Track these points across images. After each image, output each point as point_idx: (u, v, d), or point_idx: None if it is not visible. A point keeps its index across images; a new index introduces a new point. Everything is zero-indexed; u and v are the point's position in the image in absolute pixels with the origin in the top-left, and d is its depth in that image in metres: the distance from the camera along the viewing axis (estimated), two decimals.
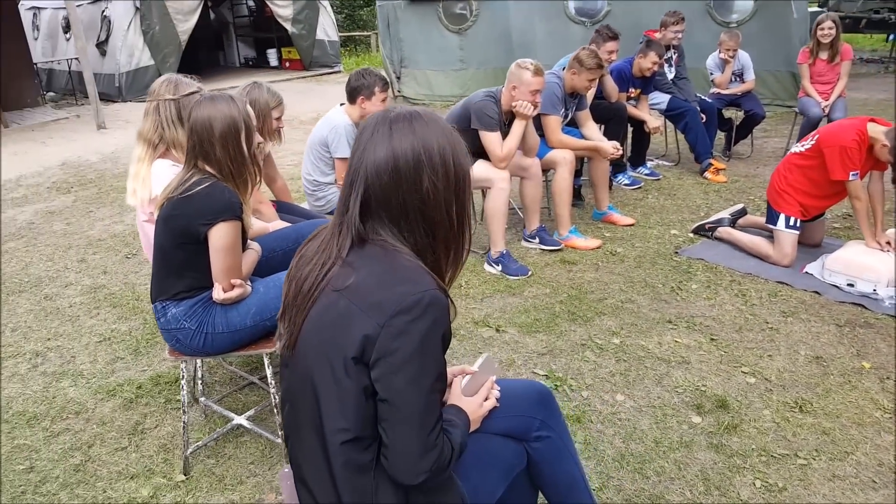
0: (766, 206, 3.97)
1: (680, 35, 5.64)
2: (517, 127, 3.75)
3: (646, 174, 5.67)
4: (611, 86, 5.03)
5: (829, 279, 3.65)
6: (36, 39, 12.47)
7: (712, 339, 3.08)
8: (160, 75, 9.69)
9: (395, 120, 1.29)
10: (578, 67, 4.10)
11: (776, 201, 3.88)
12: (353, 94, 3.44)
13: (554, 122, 4.15)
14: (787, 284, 3.64)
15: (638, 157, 5.72)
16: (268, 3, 12.65)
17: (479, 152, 3.81)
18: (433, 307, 1.21)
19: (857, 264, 3.54)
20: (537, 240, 4.20)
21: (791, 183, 3.81)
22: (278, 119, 3.07)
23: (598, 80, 4.73)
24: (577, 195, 5.02)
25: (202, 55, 15.37)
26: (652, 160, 6.20)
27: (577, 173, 4.90)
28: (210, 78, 12.70)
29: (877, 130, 3.50)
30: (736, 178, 5.63)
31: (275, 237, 2.61)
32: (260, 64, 14.83)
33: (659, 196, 5.21)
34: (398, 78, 9.66)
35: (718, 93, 6.15)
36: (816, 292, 3.54)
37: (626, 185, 5.40)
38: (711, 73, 6.22)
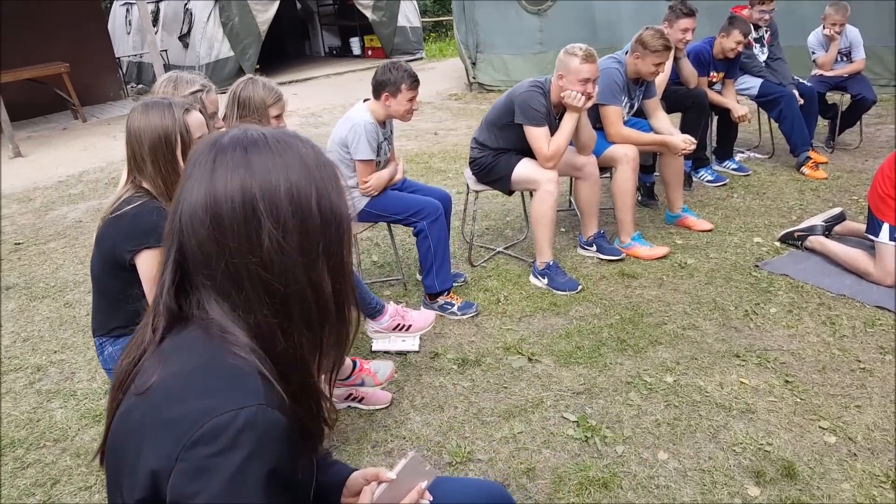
0: (867, 213, 3.34)
1: (767, 16, 4.93)
2: (567, 121, 3.31)
3: (733, 169, 5.03)
4: (688, 70, 4.44)
5: None
6: (129, 34, 12.93)
7: (787, 381, 2.56)
8: (240, 67, 9.74)
9: (222, 148, 0.92)
10: (642, 50, 3.59)
11: (879, 207, 3.24)
12: (377, 90, 3.11)
13: (613, 114, 3.67)
14: (888, 311, 3.02)
15: (724, 149, 5.09)
16: None
17: (528, 150, 3.40)
18: (250, 433, 0.83)
19: None
20: (594, 247, 3.74)
21: None
22: (278, 117, 2.80)
23: (669, 64, 4.19)
24: (649, 194, 4.50)
25: (289, 45, 15.54)
26: (742, 152, 5.53)
27: (649, 169, 4.39)
28: (296, 68, 12.73)
29: None
30: (838, 173, 4.89)
31: None
32: (344, 53, 14.78)
33: (746, 195, 4.59)
34: (473, 64, 9.25)
35: (822, 74, 5.38)
36: None
37: (708, 181, 4.80)
38: (814, 52, 5.45)
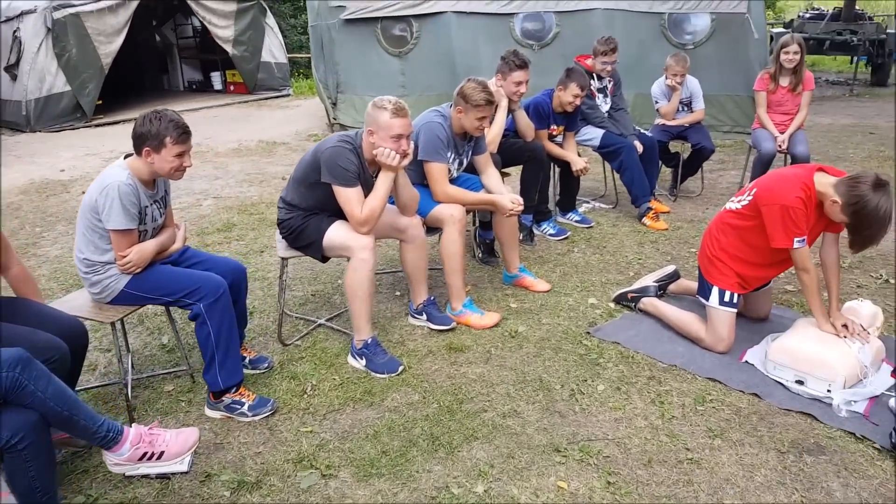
0: (698, 274, 3.21)
1: (609, 66, 4.90)
2: (382, 181, 2.96)
3: (576, 221, 4.91)
4: (524, 122, 4.27)
5: (773, 373, 2.88)
6: None
7: (609, 483, 2.28)
8: (77, 103, 8.85)
9: None
10: (464, 104, 3.33)
11: (708, 270, 3.11)
12: (137, 144, 2.53)
13: (438, 171, 3.37)
14: (719, 382, 2.86)
15: (566, 201, 4.96)
16: (206, 24, 11.86)
17: (342, 210, 3.02)
18: None
19: (806, 356, 2.78)
20: (425, 316, 3.40)
21: (725, 248, 3.05)
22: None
23: (502, 117, 3.99)
24: (489, 252, 4.25)
25: (146, 78, 14.57)
26: (588, 202, 5.45)
27: (489, 225, 4.13)
28: (149, 103, 11.72)
29: (825, 183, 2.75)
30: (679, 223, 4.88)
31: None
32: (205, 88, 14.00)
33: (587, 249, 4.44)
34: (334, 104, 8.88)
35: (664, 124, 5.42)
36: (756, 395, 2.76)
37: (551, 235, 4.63)
38: (657, 102, 5.50)
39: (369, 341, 3.05)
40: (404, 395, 2.85)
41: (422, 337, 3.33)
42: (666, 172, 5.81)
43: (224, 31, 11.88)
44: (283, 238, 3.23)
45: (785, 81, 5.02)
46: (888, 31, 12.54)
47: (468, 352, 3.17)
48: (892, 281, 3.77)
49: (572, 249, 4.44)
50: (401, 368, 3.01)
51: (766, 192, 2.85)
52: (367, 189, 2.99)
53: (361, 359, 3.06)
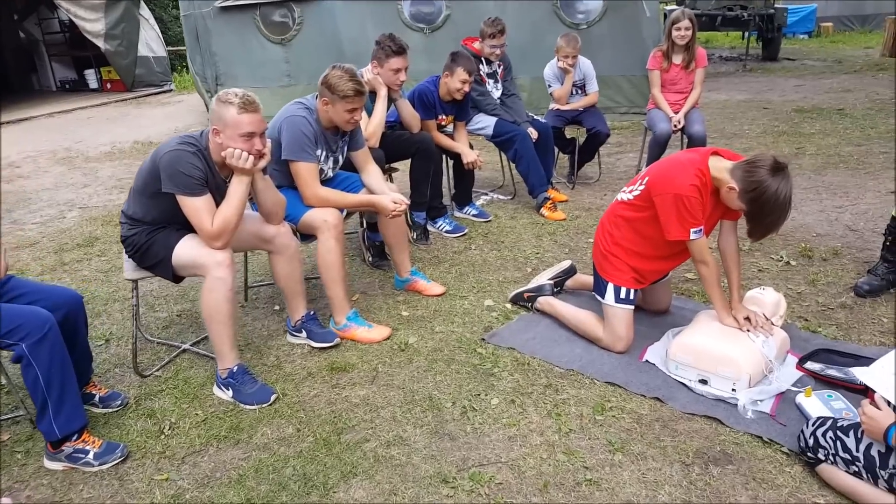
0: (593, 271, 3.01)
1: (498, 50, 4.66)
2: (236, 187, 2.59)
3: (473, 215, 4.66)
4: (409, 113, 3.96)
5: (676, 373, 2.71)
6: None
7: None
8: None
9: None
10: (330, 95, 2.98)
11: (602, 266, 2.91)
12: None
13: (306, 172, 3.02)
14: (619, 387, 2.67)
15: (463, 195, 4.70)
16: (73, 17, 10.89)
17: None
18: None
19: (708, 354, 2.61)
20: (304, 333, 3.05)
21: (619, 241, 2.85)
22: None
23: (381, 108, 3.67)
24: (380, 255, 3.92)
25: (14, 79, 13.27)
26: (487, 194, 5.22)
27: (376, 227, 3.81)
28: (17, 105, 10.60)
29: (721, 168, 2.59)
30: (577, 212, 4.71)
31: None
32: (80, 87, 12.92)
33: (484, 246, 4.19)
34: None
35: (558, 108, 5.24)
36: (658, 399, 2.58)
37: (447, 232, 4.36)
38: (550, 85, 5.31)
39: (235, 369, 2.67)
40: (276, 428, 2.50)
41: (301, 357, 2.98)
42: (564, 159, 5.65)
43: (93, 25, 10.96)
44: (129, 257, 2.80)
45: (678, 59, 4.93)
46: (776, 5, 12.97)
47: (353, 371, 2.85)
48: (794, 263, 3.72)
49: (469, 246, 4.18)
50: (273, 397, 2.65)
51: (658, 180, 2.66)
52: (222, 196, 2.61)
53: (228, 389, 2.68)
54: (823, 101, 8.42)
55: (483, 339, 3.04)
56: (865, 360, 2.67)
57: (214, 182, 2.63)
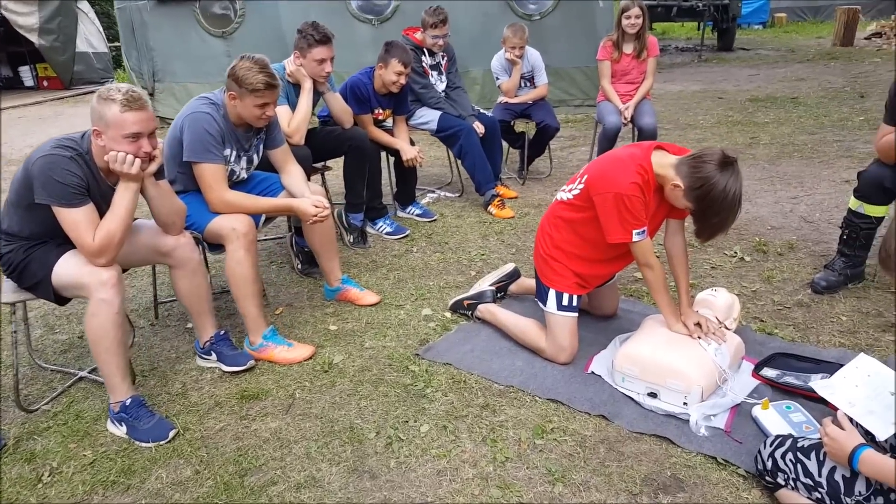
0: (535, 276, 2.76)
1: (441, 40, 4.39)
2: (121, 196, 2.27)
3: (418, 215, 4.38)
4: (339, 107, 3.66)
5: (623, 386, 2.47)
6: None
7: None
8: None
9: None
10: (238, 89, 2.67)
11: (543, 271, 2.66)
12: None
13: (210, 174, 2.70)
14: (562, 404, 2.42)
15: (405, 194, 4.41)
16: (3, 10, 10.29)
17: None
18: None
19: (656, 365, 2.38)
20: (214, 356, 2.74)
21: (559, 245, 2.60)
22: None
23: (307, 101, 3.37)
24: (309, 262, 3.61)
25: None
26: (433, 192, 4.94)
27: (295, 229, 3.51)
28: None
29: (665, 164, 2.35)
30: (526, 209, 4.47)
31: None
32: (14, 84, 12.28)
33: (427, 248, 3.92)
34: (151, 95, 7.84)
35: (506, 101, 4.99)
36: (604, 417, 2.34)
37: (388, 234, 4.07)
38: (497, 78, 5.05)
39: (128, 402, 2.35)
40: (173, 469, 2.19)
41: (210, 383, 2.67)
42: (514, 154, 5.41)
43: (26, 19, 10.38)
44: (7, 277, 2.45)
45: (629, 48, 4.72)
46: None
47: (266, 399, 2.54)
48: (748, 258, 3.52)
49: (411, 249, 3.90)
50: (172, 433, 2.33)
51: (597, 178, 2.41)
52: (108, 206, 2.29)
53: (122, 424, 2.36)
54: (777, 90, 8.34)
55: (417, 355, 2.77)
56: (826, 366, 2.48)
57: (99, 190, 2.30)
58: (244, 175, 2.95)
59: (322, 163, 3.79)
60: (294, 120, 3.37)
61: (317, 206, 2.82)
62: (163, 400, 2.55)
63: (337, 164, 3.92)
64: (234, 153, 2.82)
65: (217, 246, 2.79)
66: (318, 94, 3.57)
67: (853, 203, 2.98)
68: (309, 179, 3.22)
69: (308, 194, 2.90)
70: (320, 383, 2.62)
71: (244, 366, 2.70)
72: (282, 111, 3.35)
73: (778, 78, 9.21)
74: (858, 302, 3.01)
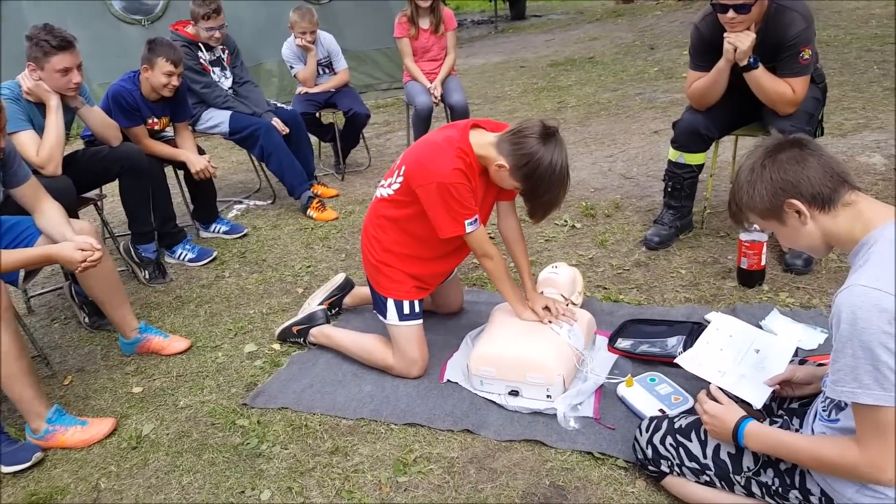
0: (369, 287, 2.44)
1: (217, 32, 3.89)
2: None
3: (224, 232, 3.86)
4: (100, 122, 3.07)
5: (482, 389, 2.24)
6: None
7: None
8: None
9: None
10: None
11: (377, 280, 2.35)
12: None
13: None
14: (421, 426, 2.13)
15: (205, 211, 3.87)
16: None
17: None
18: None
19: (512, 360, 2.17)
20: None
21: (388, 247, 2.30)
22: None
23: (53, 123, 2.76)
24: (99, 312, 2.97)
25: None
26: (241, 203, 4.43)
27: (72, 277, 2.88)
28: None
29: (485, 143, 2.12)
30: (350, 206, 4.13)
31: None
32: None
33: (241, 269, 3.44)
34: None
35: (306, 92, 4.58)
36: (468, 431, 2.09)
37: (191, 261, 3.52)
38: (292, 67, 4.62)
39: None
40: None
41: None
42: (327, 148, 5.03)
43: None
44: None
45: (425, 23, 4.51)
46: None
47: (64, 498, 2.01)
48: (579, 225, 3.44)
49: (222, 274, 3.40)
50: None
51: (416, 169, 2.13)
52: None
53: None
54: (574, 52, 8.63)
55: (245, 405, 2.34)
56: (678, 326, 2.41)
57: None
58: None
59: (94, 191, 3.17)
60: (44, 147, 2.74)
61: (83, 250, 2.25)
62: None
63: (113, 190, 3.31)
64: None
65: None
66: (71, 112, 2.95)
67: (672, 154, 2.97)
68: (77, 216, 2.64)
69: (71, 236, 2.33)
70: (129, 464, 2.12)
71: (28, 462, 2.12)
72: (25, 137, 2.72)
73: (573, 40, 9.57)
74: (693, 252, 3.02)
